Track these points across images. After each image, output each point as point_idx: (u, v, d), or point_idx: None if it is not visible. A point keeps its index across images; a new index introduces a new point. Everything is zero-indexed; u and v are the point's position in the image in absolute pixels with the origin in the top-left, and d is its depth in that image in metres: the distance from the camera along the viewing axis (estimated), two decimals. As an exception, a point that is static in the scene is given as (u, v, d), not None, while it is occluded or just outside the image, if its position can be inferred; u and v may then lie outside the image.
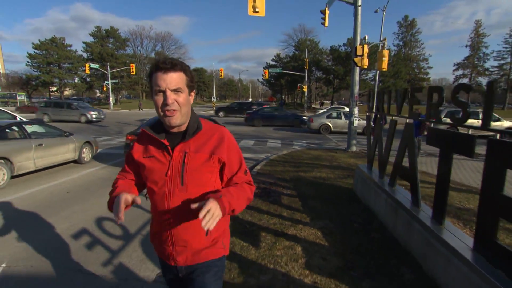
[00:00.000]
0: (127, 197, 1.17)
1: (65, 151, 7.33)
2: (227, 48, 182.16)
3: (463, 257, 2.31)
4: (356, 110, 10.87)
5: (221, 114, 29.59)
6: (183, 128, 1.30)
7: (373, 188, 4.59)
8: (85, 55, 50.07)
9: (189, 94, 1.28)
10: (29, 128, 6.65)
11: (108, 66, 41.61)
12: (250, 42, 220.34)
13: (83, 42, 49.72)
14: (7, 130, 6.10)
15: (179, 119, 1.24)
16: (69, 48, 48.81)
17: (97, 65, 39.67)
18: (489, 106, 2.27)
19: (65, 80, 48.75)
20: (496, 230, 2.13)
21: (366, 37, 17.44)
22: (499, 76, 53.84)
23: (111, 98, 41.77)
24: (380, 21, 23.20)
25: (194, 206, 1.12)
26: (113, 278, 2.90)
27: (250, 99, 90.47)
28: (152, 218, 1.44)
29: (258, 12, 10.66)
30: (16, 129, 6.31)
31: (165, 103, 1.18)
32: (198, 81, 78.22)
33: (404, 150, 3.76)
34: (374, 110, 5.28)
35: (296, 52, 55.51)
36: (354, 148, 10.75)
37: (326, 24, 12.84)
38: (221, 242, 1.41)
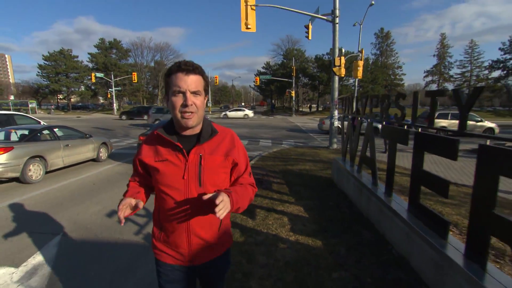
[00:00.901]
0: (131, 201, 1.16)
1: (86, 150, 7.86)
2: (221, 56, 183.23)
3: (401, 216, 2.99)
4: (336, 112, 11.62)
5: (123, 117, 30.44)
6: (197, 130, 1.25)
7: (345, 175, 5.28)
8: (90, 65, 50.18)
9: (204, 98, 1.23)
10: (57, 131, 7.17)
11: (112, 75, 41.82)
12: (242, 51, 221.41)
13: (88, 53, 50.04)
14: (41, 133, 6.63)
15: (195, 121, 1.19)
16: (76, 59, 48.84)
17: (102, 74, 39.93)
18: (416, 108, 2.96)
19: (72, 88, 48.74)
20: (419, 195, 2.82)
21: (343, 50, 18.21)
22: (461, 82, 55.93)
23: (115, 104, 41.97)
24: (360, 32, 23.94)
25: (206, 197, 1.10)
26: (144, 243, 3.50)
27: (243, 103, 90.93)
28: (159, 223, 1.33)
29: (250, 28, 11.30)
30: (48, 132, 6.85)
31: (184, 104, 1.14)
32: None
33: (366, 144, 4.46)
34: (352, 113, 5.99)
35: (284, 60, 56.36)
36: (335, 146, 11.46)
37: (310, 37, 13.58)
38: (228, 233, 1.43)
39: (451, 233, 2.86)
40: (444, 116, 16.34)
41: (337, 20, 11.16)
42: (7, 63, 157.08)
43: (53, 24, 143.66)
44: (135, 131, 18.07)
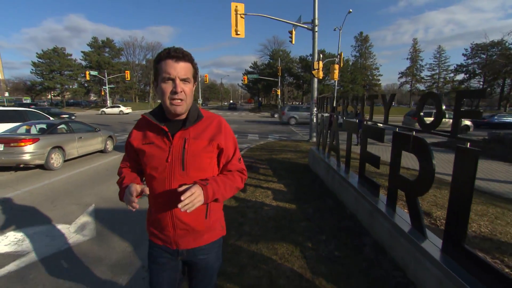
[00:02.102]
0: (136, 187, 1.12)
1: (96, 142, 8.53)
2: (209, 55, 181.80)
3: (354, 186, 3.96)
4: (315, 110, 12.63)
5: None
6: (183, 116, 1.22)
7: (318, 161, 6.25)
8: (83, 63, 49.53)
9: (193, 85, 1.20)
10: (72, 125, 7.82)
11: (106, 73, 41.57)
12: (230, 50, 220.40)
13: (82, 52, 49.53)
14: (59, 127, 7.28)
15: (184, 108, 1.16)
16: (69, 57, 48.05)
17: (96, 72, 39.61)
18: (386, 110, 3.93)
19: (66, 86, 48.00)
20: (364, 169, 3.79)
21: (325, 52, 19.29)
22: (431, 83, 58.72)
23: (108, 102, 41.81)
24: (343, 35, 25.03)
25: (180, 189, 1.07)
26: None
27: (231, 101, 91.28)
28: (150, 205, 1.33)
29: (239, 34, 12.07)
30: (65, 126, 7.49)
31: (174, 91, 1.11)
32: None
33: (333, 136, 5.42)
34: (329, 111, 6.96)
35: (271, 61, 57.28)
36: (314, 139, 12.46)
37: (293, 42, 14.51)
38: (219, 224, 1.36)
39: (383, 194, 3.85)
40: (428, 115, 17.93)
41: (316, 28, 12.10)
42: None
43: (42, 21, 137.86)
44: (131, 127, 18.58)
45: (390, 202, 3.05)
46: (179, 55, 1.10)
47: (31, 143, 6.11)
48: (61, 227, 3.61)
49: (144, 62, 62.53)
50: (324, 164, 5.73)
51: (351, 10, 22.91)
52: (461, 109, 2.11)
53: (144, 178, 1.32)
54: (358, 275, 2.51)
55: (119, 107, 36.60)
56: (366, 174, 3.79)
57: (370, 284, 2.38)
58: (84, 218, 3.89)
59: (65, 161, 7.17)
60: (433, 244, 2.26)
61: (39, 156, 6.26)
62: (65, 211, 4.15)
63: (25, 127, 7.21)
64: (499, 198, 4.79)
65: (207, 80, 44.47)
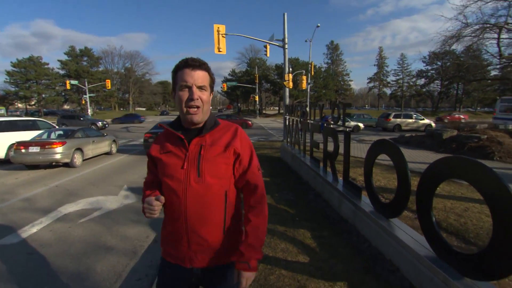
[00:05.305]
0: (151, 197, 1.12)
1: (104, 146, 10.07)
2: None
3: (307, 165, 5.97)
4: (287, 115, 14.78)
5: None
6: (201, 125, 1.19)
7: (287, 152, 8.29)
8: (61, 72, 49.19)
9: (210, 94, 1.18)
10: (87, 131, 9.36)
11: (86, 82, 41.81)
12: (208, 56, 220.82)
13: (58, 61, 49.09)
14: (78, 133, 8.82)
15: (201, 117, 1.15)
16: (46, 66, 47.60)
17: (77, 81, 39.77)
18: (344, 112, 6.00)
19: (44, 95, 47.43)
20: (312, 152, 5.83)
21: (290, 69, 21.76)
22: (396, 88, 63.95)
23: (89, 110, 42.01)
24: (317, 42, 27.59)
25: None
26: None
27: (210, 107, 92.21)
28: (164, 219, 1.25)
29: (221, 51, 14.00)
30: (82, 132, 9.03)
31: (190, 98, 1.10)
32: (163, 92, 79.00)
33: (298, 133, 7.47)
34: (299, 116, 9.03)
35: (248, 68, 59.74)
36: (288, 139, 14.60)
37: (268, 55, 16.66)
38: (239, 242, 1.20)
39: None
40: (398, 116, 20.91)
41: (286, 46, 14.30)
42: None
43: (6, 27, 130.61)
44: (123, 134, 19.88)
45: (324, 168, 5.10)
46: (196, 64, 1.12)
47: (61, 145, 7.64)
48: (111, 197, 5.33)
49: (123, 71, 62.78)
50: (290, 154, 7.77)
51: (319, 25, 25.69)
52: (346, 111, 4.19)
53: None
54: (303, 205, 4.52)
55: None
56: (315, 155, 5.85)
57: (308, 208, 4.38)
58: (124, 192, 5.63)
59: (83, 160, 8.70)
60: (339, 183, 4.30)
61: (67, 155, 7.79)
62: (107, 190, 5.85)
63: (46, 133, 8.68)
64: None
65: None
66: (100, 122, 24.36)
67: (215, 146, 1.16)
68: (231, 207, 1.20)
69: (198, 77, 1.12)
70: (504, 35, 13.65)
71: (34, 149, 7.47)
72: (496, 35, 13.70)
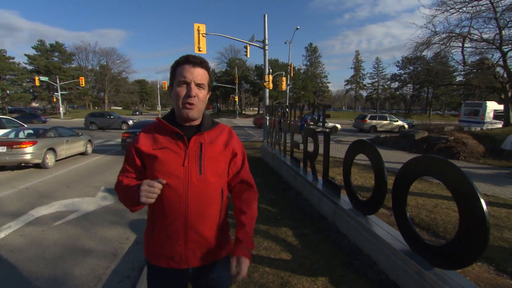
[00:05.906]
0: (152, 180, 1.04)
1: (79, 145, 9.63)
2: (166, 60, 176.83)
3: (287, 164, 6.08)
4: (267, 116, 14.92)
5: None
6: (197, 122, 1.18)
7: (267, 152, 8.38)
8: (29, 67, 46.26)
9: (207, 93, 1.18)
10: (60, 130, 8.90)
11: (58, 79, 39.65)
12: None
13: (26, 55, 46.24)
14: (50, 132, 8.37)
15: (196, 113, 1.14)
16: (11, 61, 44.48)
17: (47, 78, 37.58)
18: (324, 113, 6.13)
19: (9, 92, 44.29)
20: (293, 152, 5.95)
21: (270, 70, 22.03)
22: (372, 90, 66.54)
23: (61, 108, 39.92)
24: (296, 44, 27.97)
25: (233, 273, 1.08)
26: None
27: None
28: (152, 222, 1.19)
29: (201, 50, 13.88)
30: (54, 131, 8.58)
31: (188, 95, 1.09)
32: (140, 91, 76.69)
33: (277, 133, 7.58)
34: (278, 116, 9.13)
35: (228, 68, 59.47)
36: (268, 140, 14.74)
37: (248, 56, 16.71)
38: (227, 236, 1.29)
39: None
40: (374, 118, 21.62)
41: (266, 47, 14.44)
42: None
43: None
44: (98, 133, 19.10)
45: (304, 168, 5.22)
46: (197, 61, 1.11)
47: (31, 145, 7.22)
48: (88, 198, 5.13)
49: (98, 68, 60.18)
50: (271, 154, 7.87)
51: (298, 27, 26.10)
52: (326, 113, 4.33)
53: None
54: (284, 204, 4.61)
55: None
56: (295, 155, 5.98)
57: (289, 207, 4.48)
58: (102, 193, 5.44)
59: (56, 161, 8.27)
60: (319, 183, 4.43)
61: (38, 156, 7.37)
62: (84, 191, 5.62)
63: (14, 132, 8.17)
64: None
65: (165, 87, 44.89)
66: (130, 121, 22.67)
67: (214, 145, 1.18)
68: (225, 204, 1.23)
69: (198, 74, 1.11)
70: (467, 44, 14.62)
71: (0, 149, 7.01)
72: (460, 44, 14.62)
